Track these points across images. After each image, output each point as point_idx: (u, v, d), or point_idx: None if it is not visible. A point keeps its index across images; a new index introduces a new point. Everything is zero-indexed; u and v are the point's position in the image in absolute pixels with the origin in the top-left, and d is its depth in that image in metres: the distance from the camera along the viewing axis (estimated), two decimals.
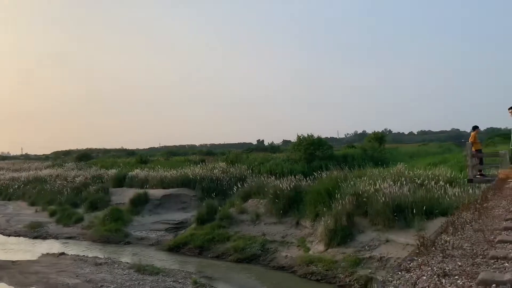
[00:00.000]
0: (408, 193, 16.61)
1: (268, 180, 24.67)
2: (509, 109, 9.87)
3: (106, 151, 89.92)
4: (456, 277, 3.71)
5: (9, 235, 25.93)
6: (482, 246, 4.70)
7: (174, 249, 20.20)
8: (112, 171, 36.58)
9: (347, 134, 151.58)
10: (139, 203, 26.88)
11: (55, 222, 27.51)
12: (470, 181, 14.34)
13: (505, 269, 3.79)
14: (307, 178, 23.54)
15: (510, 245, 4.55)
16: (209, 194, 25.99)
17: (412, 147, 59.56)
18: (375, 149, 36.28)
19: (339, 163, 28.20)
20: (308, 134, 31.84)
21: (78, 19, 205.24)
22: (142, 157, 48.28)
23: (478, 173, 14.55)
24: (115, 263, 17.42)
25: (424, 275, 3.86)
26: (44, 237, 25.03)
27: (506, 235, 5.01)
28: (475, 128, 14.80)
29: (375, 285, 3.76)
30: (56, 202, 31.92)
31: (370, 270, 14.02)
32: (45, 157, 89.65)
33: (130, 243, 22.40)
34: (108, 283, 14.53)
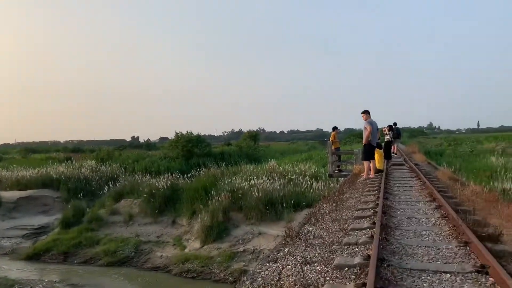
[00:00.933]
0: (279, 187, 17.72)
1: (143, 178, 23.81)
2: (361, 113, 11.22)
3: None
4: (316, 264, 4.11)
5: None
6: (338, 234, 5.29)
7: (34, 257, 18.02)
8: None
9: (225, 132, 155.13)
10: None
11: None
12: (330, 175, 16.01)
13: (355, 254, 4.33)
14: (185, 176, 23.42)
15: (360, 232, 5.22)
16: (76, 195, 23.92)
17: (283, 145, 63.82)
18: (250, 147, 37.88)
19: (216, 160, 28.75)
20: (187, 131, 31.66)
21: None
22: None
23: (337, 168, 16.31)
24: None
25: (289, 264, 4.18)
26: None
27: (358, 223, 5.73)
28: (334, 128, 16.44)
29: (245, 277, 3.88)
30: None
31: (243, 263, 14.58)
32: None
33: None
34: None
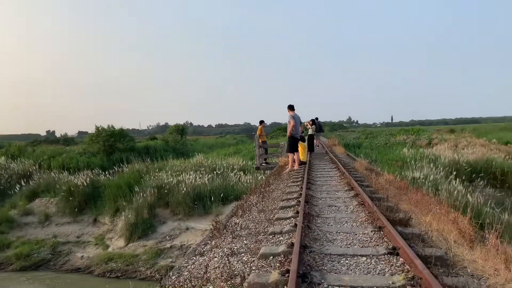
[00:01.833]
0: (207, 182, 17.66)
1: (60, 176, 22.26)
2: (288, 108, 11.54)
3: None
4: (243, 254, 4.18)
5: None
6: (264, 224, 5.42)
7: None
8: None
9: (150, 126, 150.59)
10: None
11: None
12: (257, 168, 16.32)
13: (280, 242, 4.47)
14: (107, 172, 22.36)
15: (285, 221, 5.40)
16: None
17: (211, 139, 63.49)
18: (177, 141, 37.15)
19: (141, 155, 27.79)
20: (108, 125, 30.11)
21: None
22: None
23: (264, 161, 16.67)
24: None
25: (216, 257, 4.20)
26: None
27: (282, 213, 5.91)
28: (261, 122, 16.76)
29: (171, 272, 3.81)
30: None
31: (171, 260, 14.35)
32: None
33: None
34: None
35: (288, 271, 3.30)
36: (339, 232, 4.80)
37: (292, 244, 4.01)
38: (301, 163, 11.89)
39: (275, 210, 6.23)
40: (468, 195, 12.96)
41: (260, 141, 15.90)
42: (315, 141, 19.44)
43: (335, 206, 6.36)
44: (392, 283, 3.24)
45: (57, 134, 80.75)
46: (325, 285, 3.22)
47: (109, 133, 28.85)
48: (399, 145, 28.05)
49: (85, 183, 19.42)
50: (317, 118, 20.86)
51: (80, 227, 18.12)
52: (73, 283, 14.27)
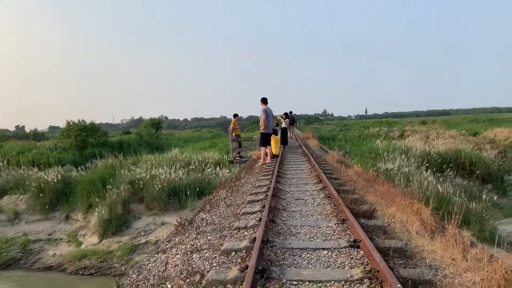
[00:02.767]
0: (182, 176, 17.51)
1: (29, 172, 21.64)
2: (261, 101, 11.49)
3: None
4: (205, 251, 4.14)
5: None
6: (230, 219, 5.40)
7: None
8: None
9: (124, 119, 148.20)
10: None
11: None
12: (231, 162, 16.29)
13: (244, 238, 4.46)
14: (80, 168, 21.89)
15: (251, 215, 5.39)
16: None
17: (187, 132, 62.92)
18: (151, 135, 36.63)
19: (114, 150, 27.31)
20: (79, 120, 29.40)
21: None
22: None
23: (238, 155, 16.64)
24: None
25: (178, 254, 4.14)
26: None
27: (250, 207, 5.90)
28: (235, 116, 16.67)
29: (131, 271, 3.75)
30: None
31: (146, 255, 14.22)
32: None
33: None
34: None
35: (247, 267, 3.29)
36: (304, 226, 4.83)
37: (255, 239, 4.00)
38: (274, 156, 11.92)
39: (243, 205, 6.21)
40: (438, 185, 13.33)
41: (233, 134, 15.85)
42: (289, 133, 19.54)
43: (303, 199, 6.40)
44: (351, 276, 3.27)
45: (27, 129, 78.38)
46: (284, 281, 3.22)
47: (80, 127, 28.17)
48: (373, 137, 28.50)
49: (56, 179, 18.95)
50: (291, 112, 20.97)
51: (52, 224, 17.71)
52: (45, 282, 13.97)
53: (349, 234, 4.39)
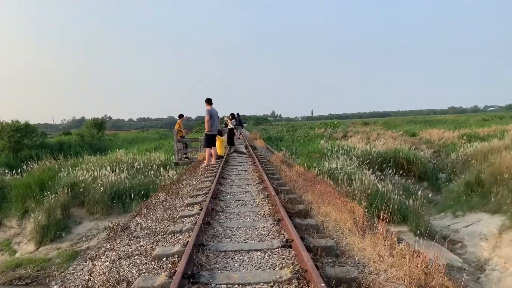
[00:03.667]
0: (126, 179, 16.96)
1: None
2: (206, 101, 11.36)
3: None
4: (136, 257, 4.01)
5: None
6: (166, 223, 5.28)
7: None
8: None
9: (64, 120, 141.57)
10: None
11: None
12: (176, 164, 16.01)
13: (178, 242, 4.37)
14: (14, 171, 20.55)
15: (188, 219, 5.30)
16: None
17: (132, 133, 61.05)
18: (94, 135, 35.16)
19: (53, 152, 25.95)
20: (12, 120, 27.57)
21: None
22: None
23: (184, 156, 16.38)
24: None
25: (107, 261, 3.97)
26: None
27: (188, 210, 5.81)
28: (180, 116, 16.37)
29: (53, 282, 3.53)
30: None
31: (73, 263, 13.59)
32: None
33: None
34: None
35: (176, 272, 3.22)
36: (240, 227, 4.83)
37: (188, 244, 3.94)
38: (219, 158, 11.85)
39: (181, 208, 6.10)
40: (379, 184, 13.91)
41: (178, 135, 15.58)
42: (236, 134, 19.57)
43: (243, 200, 6.40)
44: (280, 277, 3.31)
45: None
46: (213, 285, 3.18)
47: (14, 128, 26.41)
48: (318, 138, 29.25)
49: None
50: (238, 114, 21.02)
51: None
52: None
53: (283, 234, 4.45)
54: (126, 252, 4.17)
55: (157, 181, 16.99)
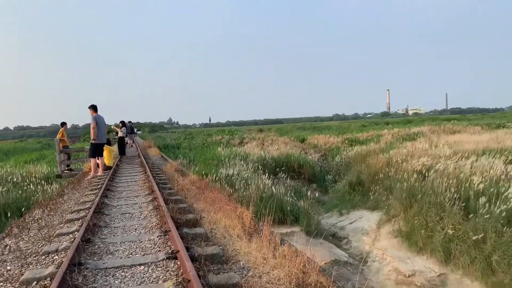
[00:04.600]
0: (1, 194, 14.98)
1: None
2: (90, 108, 10.62)
3: None
4: (0, 284, 3.56)
5: None
6: (41, 243, 4.77)
7: None
8: None
9: None
10: None
11: None
12: (59, 176, 14.66)
13: (53, 263, 3.98)
14: None
15: (66, 237, 4.87)
16: None
17: (8, 143, 54.58)
18: None
19: None
20: None
21: None
22: None
23: (67, 168, 15.09)
24: None
25: None
26: None
27: (67, 227, 5.33)
28: (63, 124, 14.99)
29: None
30: None
31: None
32: None
33: None
34: None
35: None
36: (124, 242, 4.58)
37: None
38: (107, 168, 11.17)
39: (60, 225, 5.59)
40: (273, 187, 14.42)
41: (61, 145, 14.31)
42: (129, 143, 18.71)
43: (129, 213, 6.10)
44: None
45: None
46: None
47: None
48: (215, 145, 29.44)
49: None
50: (130, 122, 20.16)
51: None
52: None
53: (169, 246, 4.34)
54: None
55: (36, 196, 15.38)
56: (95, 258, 4.05)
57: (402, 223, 10.25)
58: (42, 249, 4.47)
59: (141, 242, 4.57)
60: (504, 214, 7.99)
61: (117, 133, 17.27)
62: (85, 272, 3.64)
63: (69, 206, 7.01)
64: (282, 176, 19.28)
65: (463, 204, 8.94)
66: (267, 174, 18.25)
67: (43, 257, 4.22)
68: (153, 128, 71.76)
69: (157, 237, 4.71)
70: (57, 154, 14.22)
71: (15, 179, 16.96)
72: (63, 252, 4.25)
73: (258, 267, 3.98)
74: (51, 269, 3.62)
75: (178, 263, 3.81)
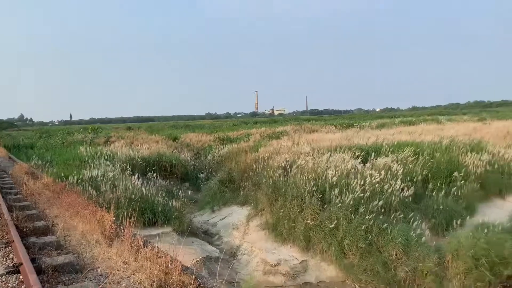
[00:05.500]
0: None
1: None
2: None
3: None
4: None
5: None
6: None
7: None
8: None
9: None
10: None
11: None
12: None
13: None
14: None
15: None
16: None
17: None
18: None
19: None
20: None
21: None
22: None
23: None
24: None
25: None
26: None
27: None
28: None
29: None
30: None
31: None
32: None
33: None
34: None
35: None
36: None
37: None
38: None
39: None
40: (143, 188, 13.81)
41: None
42: None
43: None
44: None
45: None
46: None
47: None
48: (77, 144, 27.06)
49: None
50: None
51: None
52: None
53: (11, 259, 3.81)
54: None
55: None
56: None
57: (269, 216, 10.85)
58: None
59: None
60: (351, 202, 9.11)
61: None
62: None
63: None
64: (154, 176, 18.68)
65: (320, 196, 9.91)
66: (137, 174, 17.45)
67: None
68: (0, 126, 62.44)
69: None
70: None
71: None
72: None
73: (117, 272, 3.76)
74: None
75: (21, 277, 3.36)
